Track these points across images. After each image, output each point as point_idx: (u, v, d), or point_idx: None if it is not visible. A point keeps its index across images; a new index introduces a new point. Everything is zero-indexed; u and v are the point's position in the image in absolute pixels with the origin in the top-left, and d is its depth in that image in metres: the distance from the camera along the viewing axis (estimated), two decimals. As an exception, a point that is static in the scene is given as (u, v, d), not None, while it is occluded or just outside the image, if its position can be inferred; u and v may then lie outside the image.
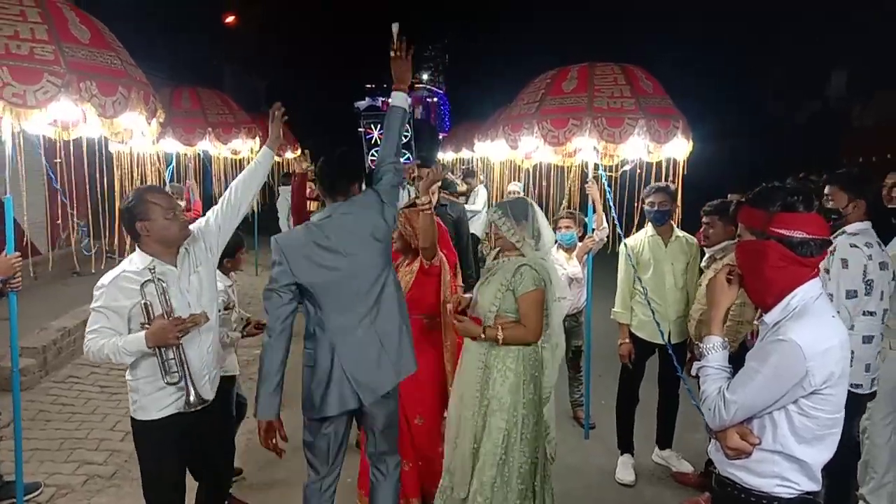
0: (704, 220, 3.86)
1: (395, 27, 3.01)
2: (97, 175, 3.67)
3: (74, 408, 5.22)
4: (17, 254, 3.06)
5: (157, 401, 2.65)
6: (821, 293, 1.94)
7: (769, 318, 1.95)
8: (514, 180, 7.31)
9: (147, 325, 2.55)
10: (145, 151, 5.52)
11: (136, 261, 2.65)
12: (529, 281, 3.00)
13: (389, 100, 3.10)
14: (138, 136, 3.25)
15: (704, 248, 3.93)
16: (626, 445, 4.38)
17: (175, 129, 6.88)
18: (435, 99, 47.80)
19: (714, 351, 2.03)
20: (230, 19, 19.41)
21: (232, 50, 18.80)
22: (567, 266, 4.79)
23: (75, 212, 3.88)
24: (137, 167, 5.54)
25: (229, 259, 3.62)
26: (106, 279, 2.62)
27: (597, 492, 4.15)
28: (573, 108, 4.21)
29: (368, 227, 2.85)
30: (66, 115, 3.03)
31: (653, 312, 4.07)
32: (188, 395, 2.61)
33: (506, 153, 4.93)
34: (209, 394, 2.77)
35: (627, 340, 4.29)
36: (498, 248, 3.24)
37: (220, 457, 3.13)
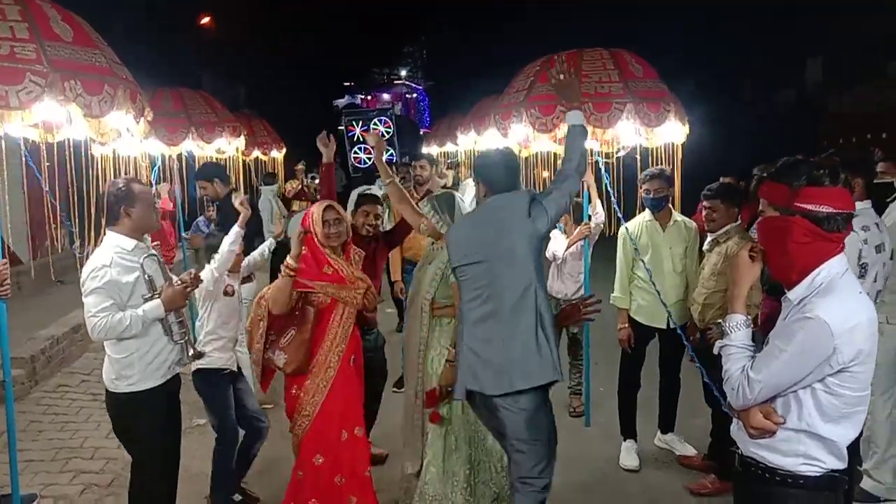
0: (706, 204, 3.84)
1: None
2: (82, 179, 3.64)
3: (67, 417, 5.12)
4: (4, 261, 2.97)
5: (156, 369, 2.92)
6: (846, 269, 1.90)
7: (793, 294, 1.92)
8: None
9: (149, 297, 2.87)
10: (130, 154, 5.42)
11: (121, 242, 2.87)
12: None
13: (567, 121, 3.01)
14: (124, 137, 3.16)
15: (707, 233, 3.92)
16: (629, 431, 4.37)
17: (158, 130, 6.76)
18: (414, 95, 47.64)
19: (737, 329, 1.99)
20: (205, 20, 19.19)
21: (210, 53, 18.57)
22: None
23: (55, 217, 3.82)
24: (122, 169, 5.46)
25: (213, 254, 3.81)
26: (103, 260, 2.80)
27: (602, 479, 4.14)
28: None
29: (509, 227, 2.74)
30: (51, 117, 2.96)
31: (658, 293, 4.05)
32: (187, 349, 3.00)
33: (500, 143, 4.88)
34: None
35: (627, 325, 4.27)
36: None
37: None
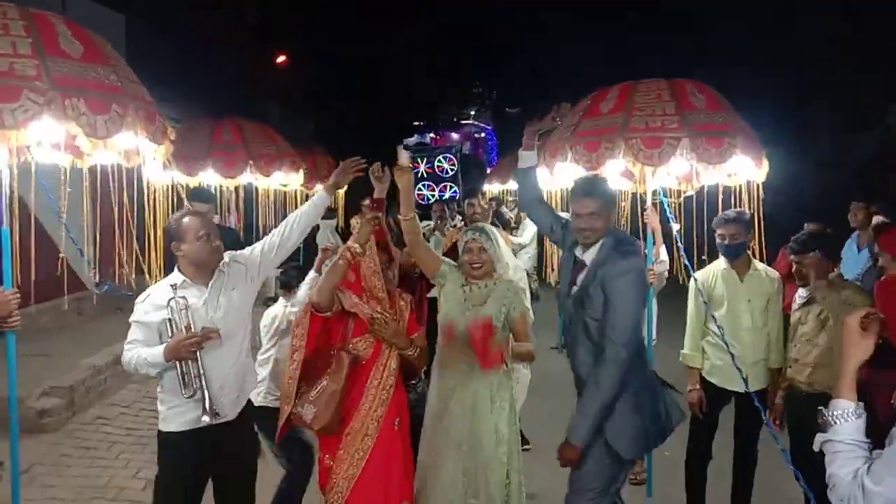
0: (794, 258, 3.38)
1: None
2: (135, 209, 3.66)
3: (98, 452, 4.96)
4: (14, 290, 2.81)
5: (179, 414, 2.79)
6: None
7: None
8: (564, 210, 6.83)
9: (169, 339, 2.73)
10: (162, 181, 5.34)
11: (172, 278, 2.83)
12: (523, 299, 3.22)
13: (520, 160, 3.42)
14: (149, 162, 2.97)
15: (800, 289, 3.46)
16: (696, 507, 3.80)
17: (215, 163, 6.75)
18: (483, 134, 47.85)
19: (844, 420, 1.53)
20: (281, 59, 19.75)
21: (278, 88, 19.04)
22: None
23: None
24: (172, 199, 5.41)
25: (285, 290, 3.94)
26: (144, 294, 2.84)
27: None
28: (607, 129, 3.76)
29: None
30: (79, 141, 2.82)
31: (732, 356, 3.53)
32: (204, 407, 2.70)
33: (562, 182, 4.48)
34: (227, 410, 2.84)
35: (698, 387, 3.75)
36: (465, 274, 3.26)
37: (243, 480, 3.07)
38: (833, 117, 12.80)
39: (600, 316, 2.80)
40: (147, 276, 4.20)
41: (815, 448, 1.57)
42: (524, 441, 4.85)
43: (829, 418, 1.55)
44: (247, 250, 3.05)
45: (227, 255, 2.97)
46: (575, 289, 2.98)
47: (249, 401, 3.09)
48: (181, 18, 12.52)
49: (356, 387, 2.94)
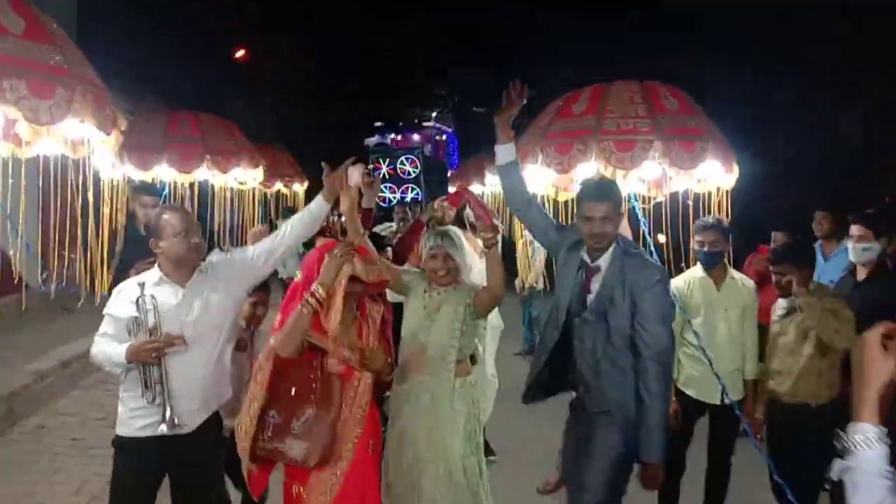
0: (774, 269, 3.34)
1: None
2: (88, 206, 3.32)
3: (39, 465, 4.60)
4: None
5: (136, 418, 2.65)
6: None
7: None
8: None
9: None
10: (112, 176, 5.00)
11: (148, 275, 2.71)
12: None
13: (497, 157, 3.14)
14: (98, 153, 2.73)
15: (780, 299, 3.42)
16: (669, 522, 3.72)
17: (171, 156, 6.42)
18: (444, 137, 47.73)
19: (866, 446, 1.35)
20: (240, 53, 19.25)
21: (239, 82, 18.57)
22: None
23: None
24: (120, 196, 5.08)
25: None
26: (120, 286, 2.73)
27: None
28: (579, 131, 3.66)
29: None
30: (18, 127, 2.58)
31: (710, 363, 3.46)
32: (164, 415, 2.56)
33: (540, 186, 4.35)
34: (189, 420, 2.66)
35: (674, 398, 3.67)
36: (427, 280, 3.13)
37: (203, 490, 2.88)
38: (833, 117, 13.01)
39: (628, 324, 2.74)
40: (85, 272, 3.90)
41: (834, 477, 1.43)
42: (489, 451, 4.72)
43: (849, 444, 1.38)
44: (236, 253, 2.92)
45: (213, 256, 2.87)
46: (590, 297, 2.85)
47: (217, 413, 2.87)
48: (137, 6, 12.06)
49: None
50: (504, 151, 3.14)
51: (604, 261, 2.85)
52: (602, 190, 2.90)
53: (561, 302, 2.97)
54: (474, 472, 3.04)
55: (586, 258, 2.91)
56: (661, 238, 4.00)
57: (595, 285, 2.85)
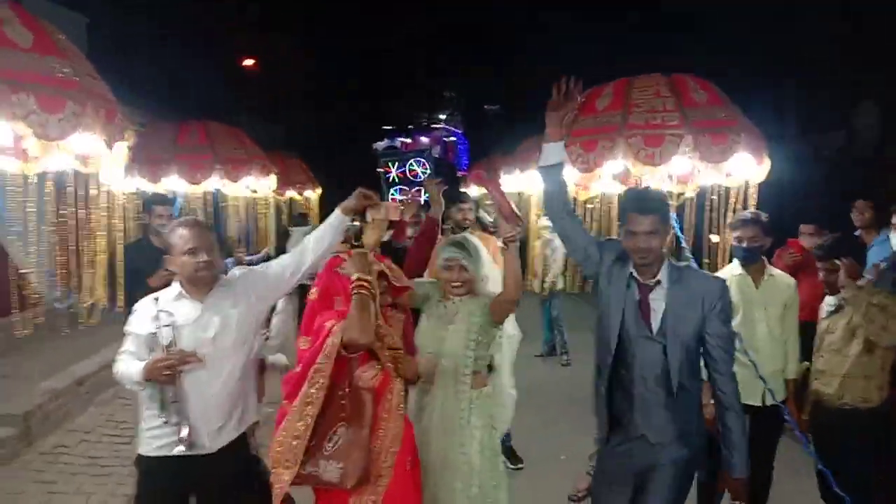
0: (821, 265, 3.24)
1: None
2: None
3: (56, 486, 4.52)
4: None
5: (155, 438, 2.58)
6: None
7: None
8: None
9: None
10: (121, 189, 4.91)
11: (167, 291, 2.65)
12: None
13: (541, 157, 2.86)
14: (109, 166, 2.63)
15: (827, 296, 3.26)
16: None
17: (180, 167, 6.34)
18: (453, 138, 47.68)
19: None
20: (249, 62, 19.23)
21: (248, 92, 18.55)
22: None
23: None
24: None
25: None
26: (139, 304, 2.64)
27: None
28: (605, 127, 3.55)
29: None
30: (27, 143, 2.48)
31: (754, 366, 3.32)
32: (179, 435, 2.47)
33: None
34: (210, 441, 2.56)
35: (713, 401, 3.53)
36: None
37: None
38: (832, 117, 12.88)
39: (696, 342, 2.60)
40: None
41: None
42: (516, 459, 4.59)
43: None
44: (259, 268, 2.82)
45: (236, 270, 2.78)
46: (654, 315, 2.60)
47: (244, 434, 2.72)
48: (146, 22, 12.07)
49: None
50: (552, 151, 2.81)
51: (662, 275, 2.62)
52: (646, 201, 2.62)
53: (612, 322, 2.66)
54: (492, 485, 2.95)
55: (635, 274, 2.66)
56: (714, 238, 3.86)
57: (658, 303, 2.61)
